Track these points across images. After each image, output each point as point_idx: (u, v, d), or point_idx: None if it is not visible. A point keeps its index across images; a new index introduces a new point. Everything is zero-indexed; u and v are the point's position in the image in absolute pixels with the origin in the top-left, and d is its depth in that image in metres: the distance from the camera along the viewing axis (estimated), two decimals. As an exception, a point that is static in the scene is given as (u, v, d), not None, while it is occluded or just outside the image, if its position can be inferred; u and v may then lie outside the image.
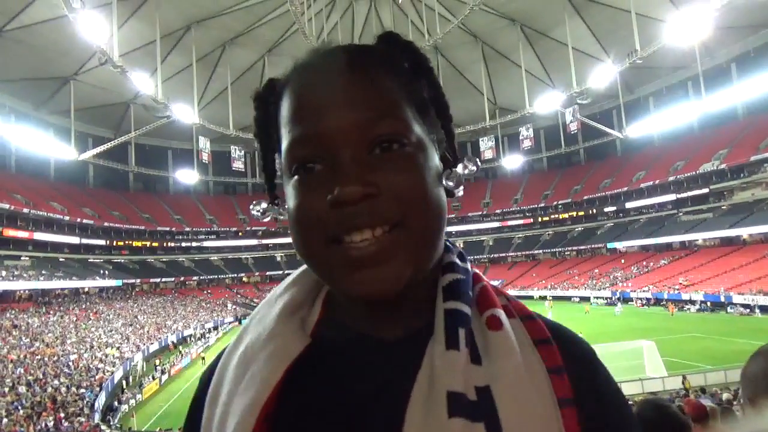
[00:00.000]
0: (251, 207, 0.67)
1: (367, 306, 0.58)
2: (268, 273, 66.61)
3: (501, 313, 0.59)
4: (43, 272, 42.26)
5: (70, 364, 25.44)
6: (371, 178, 0.51)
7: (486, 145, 66.69)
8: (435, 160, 0.58)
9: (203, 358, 31.52)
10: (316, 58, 0.58)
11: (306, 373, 0.58)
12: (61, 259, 47.81)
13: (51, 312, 37.23)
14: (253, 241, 68.07)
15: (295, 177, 0.55)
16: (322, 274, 0.57)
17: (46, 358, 25.49)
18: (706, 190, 50.32)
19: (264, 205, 0.66)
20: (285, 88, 0.59)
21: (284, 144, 0.56)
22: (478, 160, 0.63)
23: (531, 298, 53.73)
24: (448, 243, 0.65)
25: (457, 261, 0.63)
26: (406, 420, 0.51)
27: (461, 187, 0.61)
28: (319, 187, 0.52)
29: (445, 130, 0.64)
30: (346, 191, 0.50)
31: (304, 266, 0.64)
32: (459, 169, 0.61)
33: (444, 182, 0.59)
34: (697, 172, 51.00)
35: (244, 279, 66.44)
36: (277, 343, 0.58)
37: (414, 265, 0.53)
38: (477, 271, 0.66)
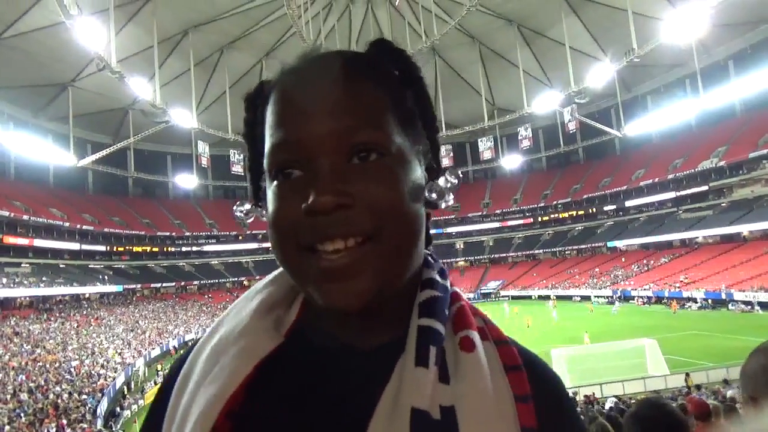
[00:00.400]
0: (235, 207, 0.68)
1: (339, 315, 0.57)
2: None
3: (475, 335, 0.58)
4: (44, 279, 42.22)
5: (72, 370, 25.40)
6: (346, 188, 0.51)
7: (485, 145, 66.72)
8: (416, 172, 0.58)
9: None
10: (303, 63, 0.58)
11: (275, 373, 0.58)
12: (61, 266, 47.77)
13: (52, 318, 37.19)
14: (254, 245, 68.01)
15: (275, 182, 0.55)
16: (296, 280, 0.56)
17: (47, 365, 25.45)
18: (705, 188, 50.33)
19: (247, 206, 0.67)
20: (272, 91, 0.58)
21: (267, 147, 0.56)
22: (459, 172, 0.62)
23: (529, 297, 53.81)
24: (430, 258, 0.65)
25: (437, 277, 0.62)
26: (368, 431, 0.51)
27: (450, 198, 0.60)
28: (296, 194, 0.52)
29: (431, 142, 0.63)
30: (320, 201, 0.49)
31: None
32: (441, 182, 0.60)
33: (426, 194, 0.58)
34: (696, 169, 51.03)
35: (245, 283, 66.15)
36: (249, 339, 0.58)
37: (383, 280, 0.53)
38: (456, 289, 0.65)
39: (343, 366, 0.58)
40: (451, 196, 0.61)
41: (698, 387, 15.52)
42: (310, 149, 0.52)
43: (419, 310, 0.58)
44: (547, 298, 49.63)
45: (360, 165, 0.52)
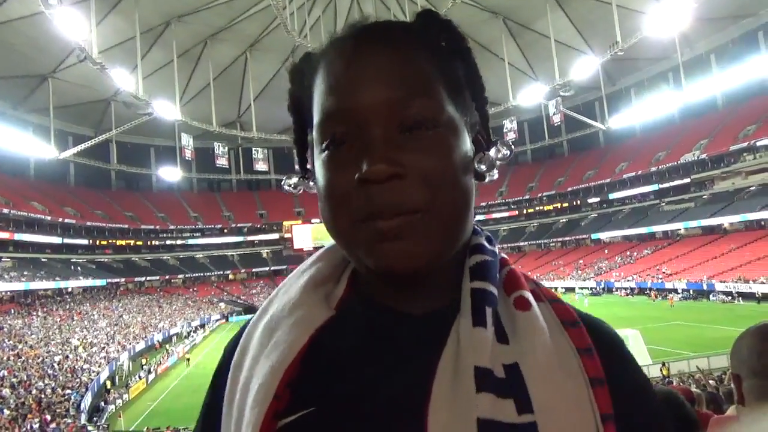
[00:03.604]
0: (283, 181, 0.68)
1: (392, 282, 0.57)
2: (254, 270, 66.31)
3: (529, 295, 0.58)
4: (25, 273, 41.69)
5: (55, 365, 25.17)
6: (399, 157, 0.50)
7: (470, 138, 66.87)
8: (466, 143, 0.57)
9: (188, 360, 31.15)
10: (352, 33, 0.57)
11: (330, 343, 0.58)
12: (43, 260, 47.15)
13: (34, 313, 36.76)
14: (239, 238, 67.73)
15: (326, 152, 0.54)
16: (349, 251, 0.56)
17: (30, 360, 25.19)
18: (687, 180, 50.99)
19: (295, 179, 0.66)
20: (320, 62, 0.58)
21: (316, 118, 0.56)
22: (512, 144, 0.62)
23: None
24: (476, 227, 0.64)
25: (485, 243, 0.62)
26: (432, 392, 0.50)
27: (495, 173, 0.61)
28: (348, 164, 0.51)
29: (480, 113, 0.63)
30: (373, 169, 0.49)
31: (332, 242, 0.63)
32: (492, 152, 0.60)
33: (476, 166, 0.58)
34: (679, 162, 51.66)
35: (230, 276, 66.07)
36: (302, 312, 0.59)
37: (439, 245, 0.53)
38: (504, 255, 0.65)
39: (397, 333, 0.58)
40: (496, 171, 0.61)
41: (665, 378, 15.99)
42: (363, 119, 0.52)
43: (471, 274, 0.58)
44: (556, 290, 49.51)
45: (412, 135, 0.52)
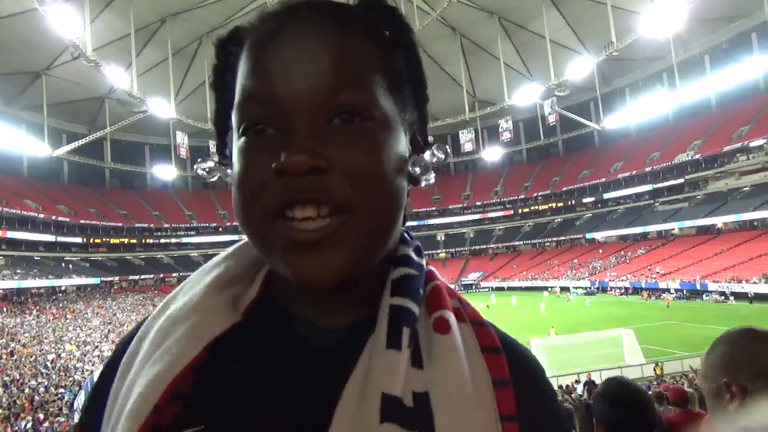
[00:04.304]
0: (196, 165, 0.62)
1: (308, 291, 0.51)
2: None
3: (450, 316, 0.53)
4: (18, 271, 41.48)
5: (48, 364, 25.05)
6: (324, 150, 0.46)
7: (466, 137, 66.88)
8: (401, 142, 0.52)
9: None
10: (285, 10, 0.51)
11: (231, 353, 0.52)
12: (36, 258, 46.95)
13: (27, 311, 36.56)
14: (234, 237, 67.32)
15: (244, 137, 0.49)
16: (261, 249, 0.51)
17: (23, 359, 25.05)
18: (681, 180, 51.21)
19: (210, 163, 0.60)
20: (248, 38, 0.52)
21: (236, 98, 0.50)
22: (448, 148, 0.58)
23: (521, 288, 54.24)
24: (405, 235, 0.60)
25: (412, 255, 0.57)
26: (334, 419, 0.46)
27: (431, 177, 0.57)
28: (267, 152, 0.46)
29: (419, 112, 0.58)
30: (293, 160, 0.44)
31: (246, 239, 0.55)
32: (426, 156, 0.56)
33: (409, 168, 0.54)
34: (673, 162, 51.85)
35: (225, 275, 65.87)
36: (200, 317, 0.53)
37: (361, 254, 0.48)
38: (432, 268, 0.60)
39: (307, 346, 0.53)
40: (433, 175, 0.57)
41: (659, 376, 16.11)
42: (287, 106, 0.47)
43: (392, 288, 0.53)
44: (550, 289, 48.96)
45: (341, 127, 0.48)
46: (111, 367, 0.57)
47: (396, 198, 0.50)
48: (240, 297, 0.57)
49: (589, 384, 14.68)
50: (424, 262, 0.58)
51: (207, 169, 0.60)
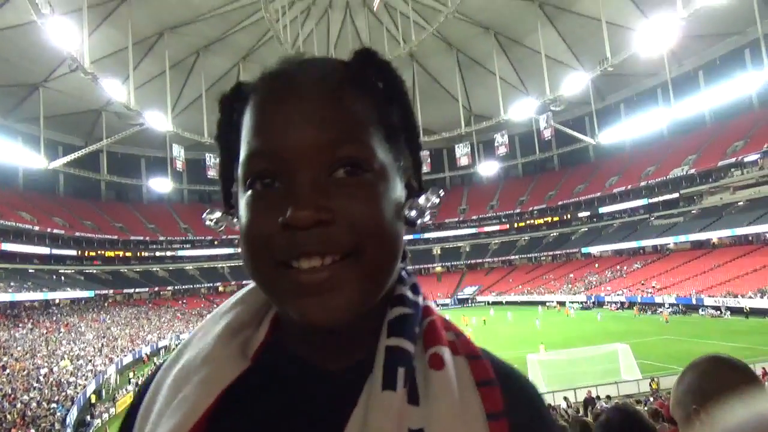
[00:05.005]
0: (204, 215, 0.64)
1: (312, 333, 0.56)
2: (244, 282, 60.19)
3: (445, 351, 0.56)
4: (12, 284, 41.16)
5: (41, 378, 24.78)
6: (327, 203, 0.49)
7: (462, 151, 67.25)
8: (397, 189, 0.56)
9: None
10: (287, 68, 0.55)
11: (242, 398, 0.56)
12: (30, 271, 46.62)
13: (20, 325, 36.24)
14: (230, 250, 67.27)
15: (250, 191, 0.52)
16: (270, 296, 0.54)
17: (15, 373, 24.78)
18: (676, 195, 51.43)
19: (218, 213, 0.63)
20: (251, 95, 0.56)
21: (242, 155, 0.53)
22: (441, 191, 0.61)
23: (519, 303, 54.16)
24: (402, 273, 0.62)
25: (408, 294, 0.60)
26: None
27: (426, 217, 0.59)
28: (273, 206, 0.49)
29: (413, 158, 0.62)
30: (299, 215, 0.47)
31: (253, 284, 0.60)
32: (422, 200, 0.59)
33: (405, 212, 0.57)
34: (668, 177, 52.14)
35: (221, 288, 65.52)
36: (212, 367, 0.56)
37: (363, 297, 0.51)
38: (429, 303, 0.62)
39: (311, 390, 0.56)
40: (428, 215, 0.60)
41: (655, 391, 16.08)
42: (291, 161, 0.50)
43: (388, 329, 0.56)
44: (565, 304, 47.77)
45: (342, 180, 0.51)
46: (132, 411, 0.61)
47: (395, 243, 0.53)
48: (249, 341, 0.60)
49: (589, 401, 14.62)
50: (420, 299, 0.61)
51: (214, 219, 0.63)
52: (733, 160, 46.23)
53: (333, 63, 0.57)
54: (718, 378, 1.17)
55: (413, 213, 0.57)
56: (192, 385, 0.55)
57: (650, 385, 17.29)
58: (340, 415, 0.52)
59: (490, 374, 0.56)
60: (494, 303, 54.58)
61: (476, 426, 0.51)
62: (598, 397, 15.37)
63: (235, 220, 0.58)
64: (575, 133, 58.80)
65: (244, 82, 0.59)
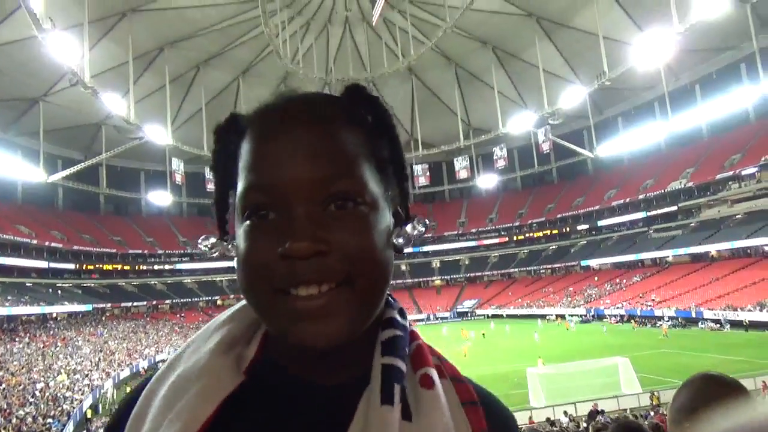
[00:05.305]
0: (199, 241, 0.67)
1: (306, 354, 0.58)
2: (243, 295, 65.49)
3: (433, 372, 0.60)
4: (9, 298, 40.96)
5: (37, 393, 24.58)
6: (323, 235, 0.52)
7: (461, 164, 67.39)
8: (387, 219, 0.59)
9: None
10: (280, 104, 0.58)
11: (237, 412, 0.58)
12: (28, 284, 46.45)
13: (17, 339, 36.02)
14: (228, 263, 65.51)
15: (248, 221, 0.55)
16: (267, 321, 0.57)
17: (11, 388, 24.58)
18: (674, 208, 51.56)
19: (213, 240, 0.66)
20: (246, 129, 0.59)
21: (240, 187, 0.56)
22: (426, 221, 0.64)
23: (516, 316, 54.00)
24: (390, 298, 0.66)
25: (397, 317, 0.64)
26: None
27: (410, 246, 0.62)
28: (271, 237, 0.53)
29: (400, 188, 0.64)
30: (298, 246, 0.50)
31: (244, 301, 0.63)
32: (408, 228, 0.62)
33: (394, 240, 0.60)
34: (666, 190, 52.28)
35: (219, 302, 65.18)
36: (209, 379, 0.58)
37: (356, 321, 0.55)
38: (414, 328, 0.67)
39: (305, 404, 0.59)
40: (409, 246, 0.63)
41: (656, 406, 15.96)
42: (287, 195, 0.53)
43: (382, 349, 0.60)
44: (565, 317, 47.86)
45: (336, 213, 0.54)
46: (116, 425, 0.61)
47: (386, 270, 0.57)
48: (241, 357, 0.62)
49: (593, 414, 14.51)
50: (407, 323, 0.66)
51: (209, 245, 0.66)
52: (730, 173, 46.39)
53: (326, 98, 0.60)
54: (708, 395, 1.18)
55: (401, 240, 0.61)
56: (190, 395, 0.56)
57: (650, 399, 17.20)
58: (337, 429, 0.55)
59: (474, 396, 0.62)
60: (494, 316, 54.43)
61: None
62: (602, 411, 15.24)
63: (230, 246, 0.62)
64: (573, 147, 59.01)
65: (238, 113, 0.62)
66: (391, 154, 0.62)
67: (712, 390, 1.19)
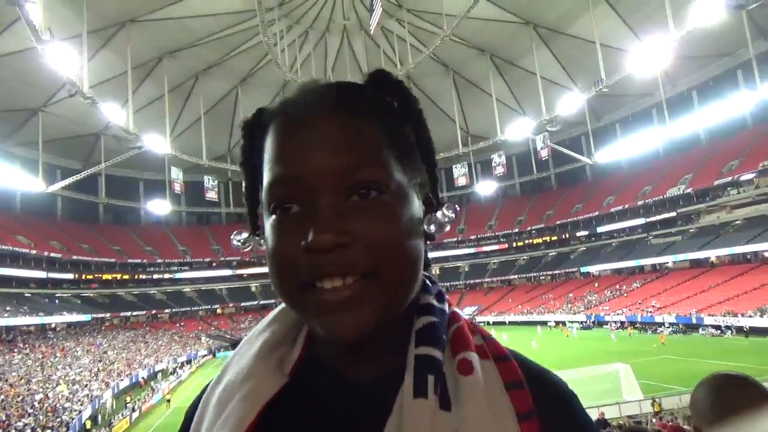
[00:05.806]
0: (232, 236, 0.67)
1: (340, 346, 0.59)
2: (242, 304, 65.53)
3: (473, 357, 0.58)
4: (8, 308, 40.86)
5: (36, 404, 24.47)
6: (345, 226, 0.51)
7: (459, 171, 67.51)
8: (414, 206, 0.58)
9: (168, 401, 29.92)
10: (302, 96, 0.57)
11: (282, 412, 0.59)
12: (26, 295, 46.35)
13: (16, 350, 35.90)
14: (228, 272, 67.09)
15: (274, 216, 0.55)
16: (297, 313, 0.58)
17: (9, 399, 24.48)
18: (673, 214, 51.56)
19: (245, 234, 0.66)
20: (271, 122, 0.58)
21: (265, 181, 0.56)
22: (457, 206, 0.63)
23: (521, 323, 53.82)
24: (428, 281, 0.65)
25: (434, 302, 0.62)
26: None
27: (446, 230, 0.61)
28: (295, 230, 0.52)
29: (429, 174, 0.63)
30: (319, 239, 0.50)
31: (283, 304, 0.64)
32: (439, 215, 0.61)
33: (425, 227, 0.59)
34: (665, 196, 52.32)
35: (218, 311, 65.15)
36: (253, 384, 0.59)
37: (384, 311, 0.54)
38: (456, 309, 0.65)
39: (347, 399, 0.59)
40: (448, 228, 0.62)
41: (657, 413, 15.90)
42: (310, 186, 0.53)
43: (416, 338, 0.58)
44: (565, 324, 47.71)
45: (359, 203, 0.53)
46: None
47: (415, 259, 0.56)
48: (285, 358, 0.63)
49: (601, 423, 14.42)
50: (446, 306, 0.64)
51: (242, 240, 0.66)
52: (729, 179, 46.45)
53: (348, 86, 0.59)
54: (724, 395, 1.17)
55: (432, 227, 0.60)
56: (235, 402, 0.58)
57: (652, 405, 17.14)
58: (376, 425, 0.54)
59: (519, 376, 0.58)
60: (496, 323, 54.28)
61: (507, 426, 0.54)
62: (606, 423, 15.12)
63: (262, 241, 0.61)
64: (572, 153, 59.11)
65: (265, 108, 0.62)
66: (418, 139, 0.62)
67: (727, 390, 1.18)
